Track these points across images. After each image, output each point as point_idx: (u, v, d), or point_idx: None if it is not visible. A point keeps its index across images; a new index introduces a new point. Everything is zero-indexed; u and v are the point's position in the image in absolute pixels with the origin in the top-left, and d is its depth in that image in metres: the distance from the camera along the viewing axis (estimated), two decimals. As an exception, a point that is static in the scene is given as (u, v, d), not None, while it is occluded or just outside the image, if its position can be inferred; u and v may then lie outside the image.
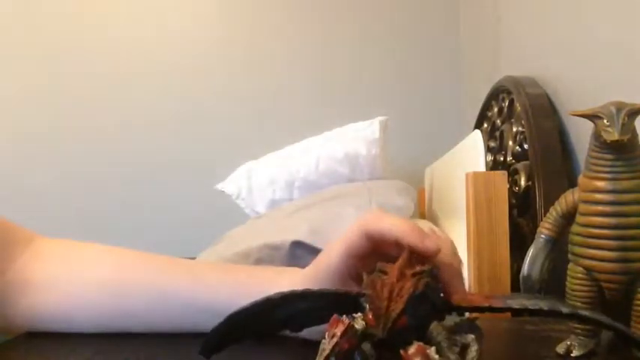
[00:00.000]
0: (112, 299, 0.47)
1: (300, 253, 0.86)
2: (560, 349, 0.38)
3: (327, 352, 0.29)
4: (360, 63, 1.77)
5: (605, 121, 0.35)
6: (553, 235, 0.39)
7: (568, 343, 0.38)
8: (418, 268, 0.32)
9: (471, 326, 0.31)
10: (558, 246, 0.40)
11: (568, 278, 0.38)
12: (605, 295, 0.37)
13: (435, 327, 0.30)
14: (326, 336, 0.29)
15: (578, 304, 0.38)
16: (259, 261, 0.86)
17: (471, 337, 0.30)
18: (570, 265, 0.38)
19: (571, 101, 0.89)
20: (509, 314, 0.58)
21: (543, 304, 0.32)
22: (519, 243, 0.80)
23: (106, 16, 1.81)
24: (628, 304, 0.36)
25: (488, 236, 0.70)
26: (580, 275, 0.37)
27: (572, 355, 0.38)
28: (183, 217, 1.76)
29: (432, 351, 0.28)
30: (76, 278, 0.48)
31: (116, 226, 1.77)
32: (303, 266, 0.47)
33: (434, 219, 1.22)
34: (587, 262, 0.37)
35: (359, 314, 0.30)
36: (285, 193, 1.32)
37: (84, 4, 1.82)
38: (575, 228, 0.38)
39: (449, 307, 0.32)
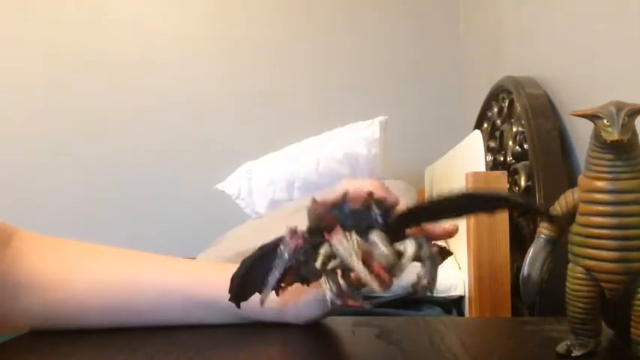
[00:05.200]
0: (113, 298, 0.48)
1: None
2: (561, 349, 0.38)
3: (281, 250, 0.35)
4: (361, 63, 1.78)
5: (605, 121, 0.35)
6: (553, 235, 0.39)
7: (568, 343, 0.38)
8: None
9: (416, 238, 0.35)
10: (558, 246, 0.40)
11: (568, 278, 0.38)
12: (605, 295, 0.37)
13: (374, 232, 0.34)
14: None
15: (580, 304, 0.38)
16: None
17: (409, 244, 0.34)
18: (570, 265, 0.38)
19: (571, 101, 0.89)
20: (509, 314, 0.58)
21: (451, 195, 0.34)
22: (519, 243, 0.80)
23: (107, 15, 1.81)
24: (628, 304, 0.36)
25: (488, 236, 0.70)
26: (580, 275, 0.37)
27: (572, 355, 0.38)
28: (184, 216, 1.76)
29: (352, 233, 0.32)
30: (75, 278, 0.48)
31: (116, 226, 1.77)
32: None
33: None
34: (587, 262, 0.37)
35: None
36: (285, 194, 1.32)
37: (85, 3, 1.82)
38: (575, 228, 0.38)
39: (392, 226, 0.36)
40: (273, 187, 1.33)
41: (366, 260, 0.32)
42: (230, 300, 0.41)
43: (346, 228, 0.34)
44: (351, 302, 0.36)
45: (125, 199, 1.78)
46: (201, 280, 0.48)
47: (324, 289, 0.36)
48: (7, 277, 0.47)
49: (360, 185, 0.41)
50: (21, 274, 0.48)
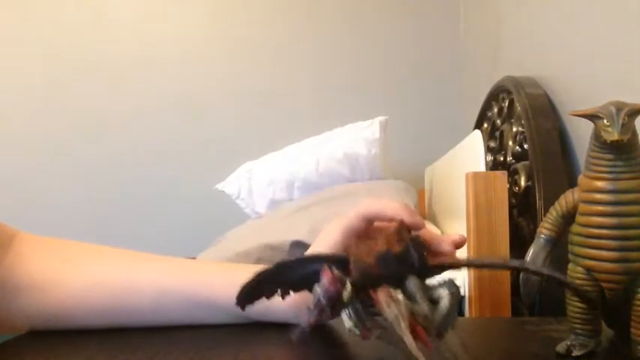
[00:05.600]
0: (113, 298, 0.48)
1: (300, 253, 0.85)
2: (561, 349, 0.38)
3: (318, 294, 0.34)
4: (361, 63, 1.78)
5: (605, 121, 0.35)
6: (553, 235, 0.39)
7: (568, 343, 0.38)
8: (405, 236, 0.36)
9: (449, 284, 0.35)
10: (558, 246, 0.40)
11: (568, 278, 0.38)
12: (605, 295, 0.37)
13: (411, 280, 0.34)
14: (318, 283, 0.34)
15: (580, 304, 0.38)
16: (259, 261, 0.86)
17: (444, 292, 0.34)
18: (570, 265, 0.38)
19: (571, 101, 0.89)
20: (509, 314, 0.58)
21: (497, 261, 0.37)
22: (519, 243, 0.80)
23: (107, 15, 1.81)
24: (628, 304, 0.36)
25: (488, 236, 0.70)
26: (580, 275, 0.37)
27: (572, 355, 0.38)
28: (184, 216, 1.76)
29: (397, 293, 0.32)
30: (74, 278, 0.48)
31: (116, 226, 1.77)
32: None
33: (434, 219, 1.22)
34: (587, 262, 0.37)
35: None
36: (285, 193, 1.32)
37: (86, 3, 1.82)
38: (575, 228, 0.38)
39: (426, 269, 0.36)
40: (273, 187, 1.33)
41: (410, 323, 0.32)
42: (236, 304, 0.41)
43: (389, 279, 0.34)
44: (367, 333, 0.37)
45: (125, 199, 1.78)
46: (201, 280, 0.48)
47: (344, 319, 0.37)
48: (7, 279, 0.48)
49: (383, 206, 0.43)
50: (21, 276, 0.48)
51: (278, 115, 1.78)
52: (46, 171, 1.79)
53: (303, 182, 1.30)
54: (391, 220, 0.43)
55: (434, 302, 0.34)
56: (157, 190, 1.78)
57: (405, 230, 0.37)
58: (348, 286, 0.34)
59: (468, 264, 0.37)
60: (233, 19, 1.81)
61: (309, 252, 0.46)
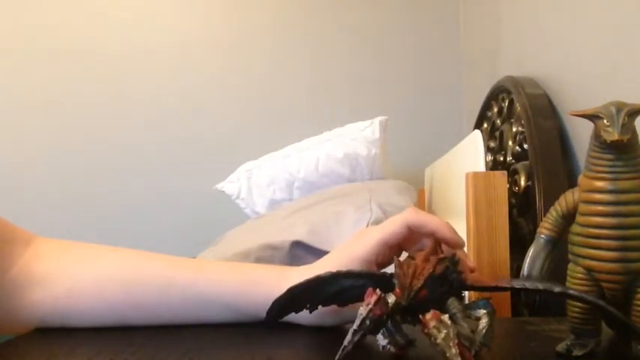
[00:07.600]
0: (121, 291, 0.49)
1: (300, 253, 0.86)
2: (560, 349, 0.38)
3: (363, 316, 0.34)
4: (361, 63, 1.77)
5: (605, 121, 0.35)
6: (553, 235, 0.39)
7: (568, 343, 0.38)
8: (442, 255, 0.37)
9: (485, 304, 0.36)
10: (558, 246, 0.40)
11: (568, 278, 0.38)
12: (605, 295, 0.37)
13: (451, 302, 0.35)
14: (363, 305, 0.34)
15: (580, 304, 0.38)
16: (259, 260, 0.86)
17: (482, 311, 0.35)
18: (570, 265, 0.38)
19: (571, 101, 0.89)
20: (509, 314, 0.58)
21: (540, 285, 0.37)
22: (519, 243, 0.80)
23: (107, 15, 1.81)
24: (628, 304, 0.36)
25: (488, 236, 0.70)
26: (580, 275, 0.37)
27: (572, 355, 0.38)
28: (183, 217, 1.76)
29: (445, 317, 0.32)
30: (84, 272, 0.50)
31: (117, 225, 1.77)
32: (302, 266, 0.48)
33: (434, 219, 1.22)
34: (587, 262, 0.37)
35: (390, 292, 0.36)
36: (285, 193, 1.32)
37: (84, 4, 1.82)
38: (575, 228, 0.38)
39: (464, 287, 0.38)
40: (273, 187, 1.33)
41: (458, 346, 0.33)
42: (265, 320, 0.42)
43: (434, 301, 0.35)
44: (401, 350, 0.38)
45: (125, 199, 1.78)
46: (207, 277, 0.49)
47: (378, 337, 0.38)
48: (20, 275, 0.49)
49: (427, 220, 0.45)
50: (35, 271, 0.49)
51: (278, 115, 1.78)
52: (45, 171, 1.79)
53: (303, 182, 1.30)
54: (431, 234, 0.45)
55: (471, 319, 0.35)
56: (156, 190, 1.78)
57: (439, 248, 0.39)
58: (392, 305, 0.35)
59: (505, 287, 0.38)
60: (233, 18, 1.81)
61: (344, 249, 0.47)
